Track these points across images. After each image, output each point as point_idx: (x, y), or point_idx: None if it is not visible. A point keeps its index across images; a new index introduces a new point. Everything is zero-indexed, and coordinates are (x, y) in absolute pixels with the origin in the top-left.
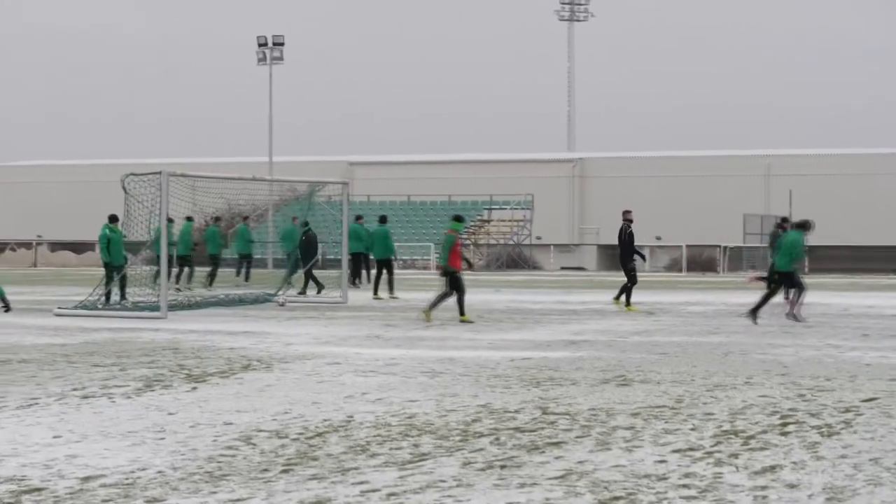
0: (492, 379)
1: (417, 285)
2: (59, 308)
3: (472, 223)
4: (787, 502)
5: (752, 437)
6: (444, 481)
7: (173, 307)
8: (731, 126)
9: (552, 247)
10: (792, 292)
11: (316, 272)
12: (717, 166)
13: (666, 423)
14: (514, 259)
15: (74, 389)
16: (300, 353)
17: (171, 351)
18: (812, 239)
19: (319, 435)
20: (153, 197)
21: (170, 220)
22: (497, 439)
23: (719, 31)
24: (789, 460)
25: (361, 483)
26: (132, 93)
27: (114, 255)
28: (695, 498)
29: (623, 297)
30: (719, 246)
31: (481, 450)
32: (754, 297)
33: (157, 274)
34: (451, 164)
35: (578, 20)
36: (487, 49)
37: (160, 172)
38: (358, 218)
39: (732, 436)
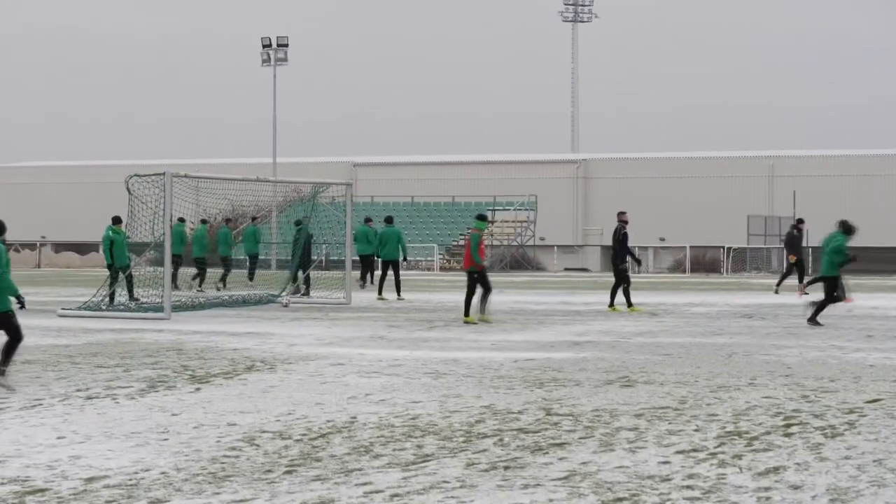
0: (495, 380)
1: (421, 286)
2: (63, 309)
3: None
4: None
5: (755, 438)
6: (447, 482)
7: (177, 308)
8: (734, 127)
9: (555, 248)
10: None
11: (318, 273)
12: (721, 167)
13: (669, 424)
14: (518, 260)
15: (78, 390)
16: (304, 354)
17: (174, 352)
18: (814, 240)
19: (323, 436)
20: (157, 198)
21: (181, 220)
22: (500, 440)
23: (722, 32)
24: (793, 461)
25: (365, 484)
26: (136, 93)
27: (117, 256)
28: (698, 499)
29: (615, 301)
30: (723, 247)
31: (485, 451)
32: (755, 298)
33: (191, 275)
34: (454, 164)
35: (582, 21)
36: (491, 50)
37: (164, 173)
38: (367, 220)
39: (736, 437)
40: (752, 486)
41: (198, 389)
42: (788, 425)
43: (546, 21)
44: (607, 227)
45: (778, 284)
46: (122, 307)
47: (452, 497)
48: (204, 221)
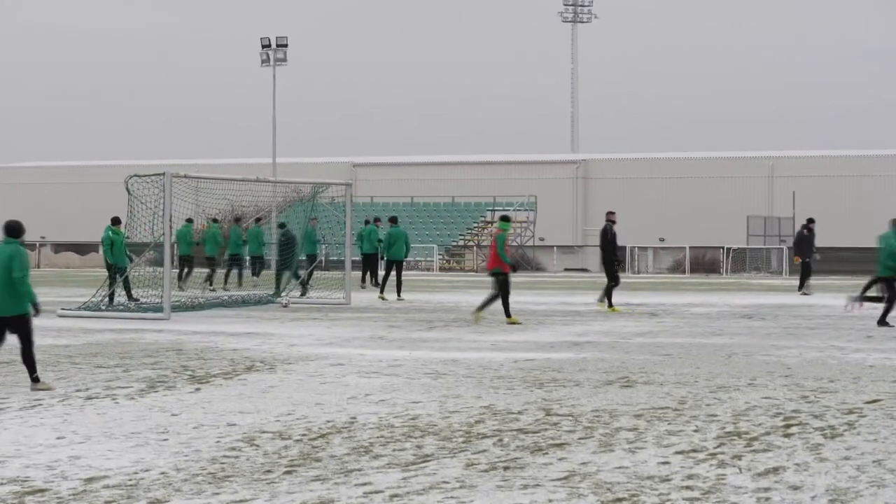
0: (495, 380)
1: (420, 287)
2: (63, 309)
3: (476, 224)
4: None
5: (755, 438)
6: (447, 483)
7: (176, 308)
8: (733, 127)
9: (555, 248)
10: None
11: (318, 273)
12: (721, 168)
13: (669, 424)
14: (518, 260)
15: (78, 390)
16: (303, 354)
17: (174, 352)
18: (817, 240)
19: (323, 436)
20: (156, 198)
21: (189, 221)
22: (500, 441)
23: (721, 32)
24: (792, 462)
25: (364, 484)
26: (135, 94)
27: (117, 256)
28: (698, 499)
29: (613, 301)
30: (722, 247)
31: (484, 451)
32: (755, 298)
33: (207, 275)
34: (454, 165)
35: (582, 21)
36: (491, 50)
37: (164, 174)
38: (376, 220)
39: (736, 437)
40: (752, 486)
41: (197, 390)
42: (788, 426)
43: (546, 21)
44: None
45: (800, 287)
46: (122, 307)
47: (452, 497)
48: (214, 220)
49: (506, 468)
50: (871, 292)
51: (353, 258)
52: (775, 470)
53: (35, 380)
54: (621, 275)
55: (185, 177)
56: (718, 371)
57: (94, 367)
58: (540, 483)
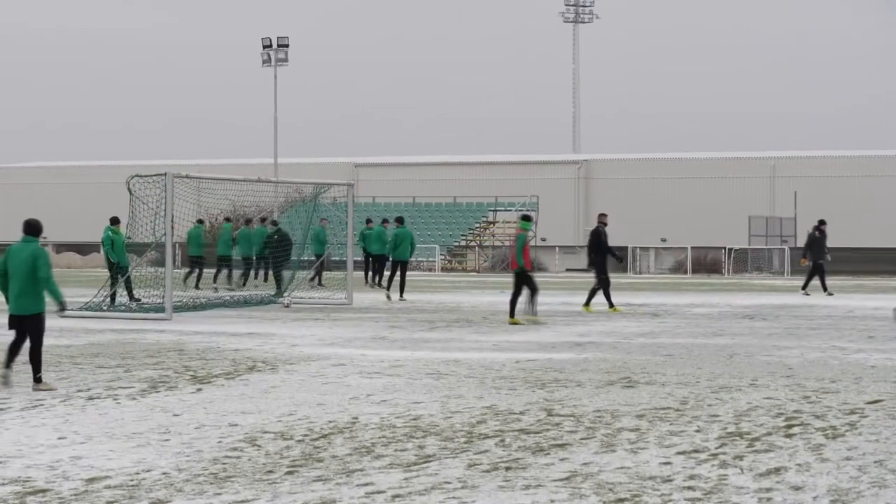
0: (497, 381)
1: (422, 287)
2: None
3: (477, 224)
4: None
5: (757, 438)
6: (449, 483)
7: (178, 308)
8: (735, 127)
9: (557, 248)
10: None
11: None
12: (723, 168)
13: (671, 424)
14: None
15: (79, 391)
16: (305, 354)
17: (176, 352)
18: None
19: (324, 436)
20: (158, 198)
21: (200, 222)
22: (502, 441)
23: (722, 33)
24: (794, 462)
25: (366, 484)
26: (136, 94)
27: (118, 255)
28: (700, 500)
29: (613, 302)
30: (724, 248)
31: (486, 451)
32: (756, 299)
33: (220, 275)
34: (456, 165)
35: (583, 22)
36: (492, 50)
37: (165, 174)
38: (384, 221)
39: (737, 438)
40: (754, 486)
41: (199, 390)
42: (790, 426)
43: (547, 22)
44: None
45: (824, 289)
46: (124, 308)
47: (454, 498)
48: (228, 220)
49: (508, 468)
50: None
51: (356, 258)
52: (777, 470)
53: (38, 380)
54: (620, 275)
55: (187, 177)
56: (720, 371)
57: (96, 368)
58: (542, 483)
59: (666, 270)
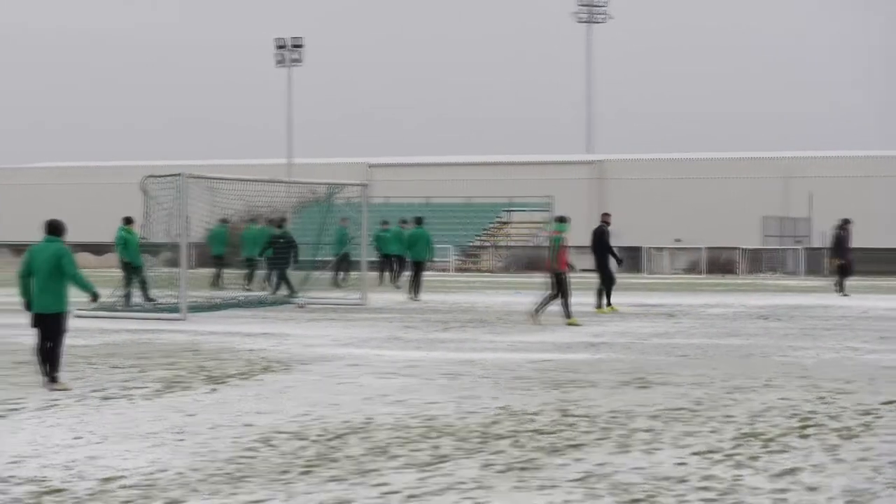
0: (512, 381)
1: (436, 287)
2: (79, 309)
3: (491, 225)
4: None
5: (771, 439)
6: (463, 483)
7: (193, 309)
8: (749, 128)
9: (571, 249)
10: None
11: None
12: (736, 168)
13: (686, 425)
14: (534, 261)
15: (94, 391)
16: (320, 354)
17: (190, 352)
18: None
19: (339, 436)
20: (172, 199)
21: (225, 221)
22: (517, 441)
23: (736, 33)
24: (809, 463)
25: (381, 485)
26: (150, 95)
27: (132, 255)
28: (714, 500)
29: (612, 301)
30: (738, 248)
31: (501, 452)
32: (771, 299)
33: (249, 275)
34: (469, 165)
35: (596, 22)
36: (505, 51)
37: (179, 174)
38: (402, 221)
39: (752, 438)
40: (768, 487)
41: (214, 390)
42: (804, 427)
43: (560, 22)
44: (623, 228)
45: (840, 288)
46: (139, 308)
47: (469, 498)
48: (253, 220)
49: (522, 469)
50: None
51: (371, 258)
52: (792, 471)
53: (53, 379)
54: (635, 275)
55: (201, 178)
56: (735, 372)
57: (111, 368)
58: (557, 484)
59: (680, 271)
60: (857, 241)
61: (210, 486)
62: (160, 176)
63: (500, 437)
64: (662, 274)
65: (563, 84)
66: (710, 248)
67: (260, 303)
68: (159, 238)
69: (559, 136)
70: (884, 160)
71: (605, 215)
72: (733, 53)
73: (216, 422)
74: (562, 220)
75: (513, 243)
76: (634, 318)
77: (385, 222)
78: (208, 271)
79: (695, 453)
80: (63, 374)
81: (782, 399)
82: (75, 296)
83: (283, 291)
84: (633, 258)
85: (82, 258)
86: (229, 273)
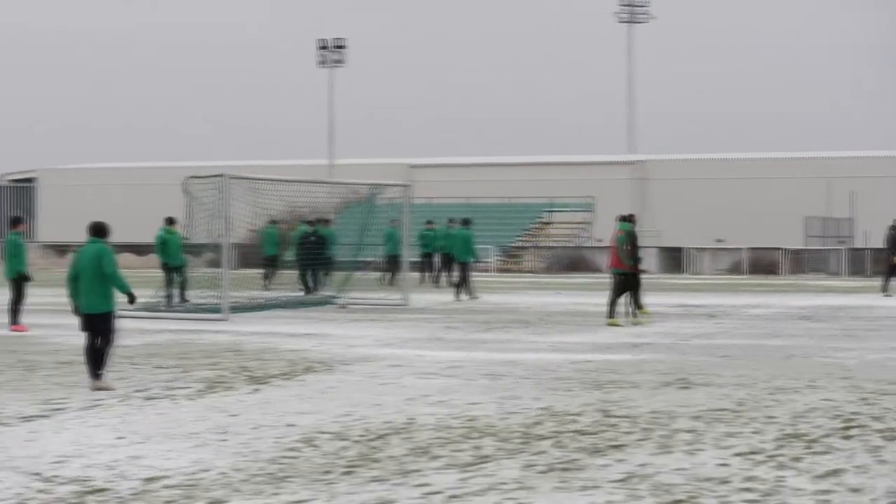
0: (553, 381)
1: (478, 288)
2: (121, 310)
3: (532, 225)
4: None
5: (814, 440)
6: (505, 484)
7: (234, 309)
8: (792, 128)
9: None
10: None
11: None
12: (779, 168)
13: (728, 426)
14: (575, 261)
15: (137, 391)
16: (362, 355)
17: (232, 353)
18: (874, 241)
19: (381, 437)
20: (214, 199)
21: (274, 223)
22: (558, 442)
23: (780, 33)
24: (852, 464)
25: (423, 485)
26: (192, 95)
27: (171, 256)
28: (757, 501)
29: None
30: (780, 248)
31: (543, 452)
32: (813, 300)
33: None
34: (511, 166)
35: (638, 22)
36: (546, 50)
37: (221, 175)
38: (450, 221)
39: (795, 439)
40: (811, 488)
41: (256, 390)
42: (847, 428)
43: (601, 22)
44: (665, 229)
45: (885, 289)
46: (180, 308)
47: (510, 498)
48: (308, 223)
49: (564, 469)
50: None
51: (413, 259)
52: (835, 472)
53: (97, 376)
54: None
55: (243, 178)
56: (777, 373)
57: (154, 368)
58: (598, 484)
59: (722, 271)
60: None
61: (252, 486)
62: (202, 177)
63: (542, 437)
64: (704, 274)
65: (604, 84)
66: (751, 249)
67: (302, 303)
68: (201, 238)
69: (600, 137)
70: None
71: (631, 216)
72: (776, 53)
73: (259, 422)
74: (626, 218)
75: (554, 243)
76: (676, 318)
77: (429, 222)
78: (255, 272)
79: (737, 454)
80: (107, 375)
81: (825, 400)
82: (120, 296)
83: (326, 291)
84: (675, 259)
85: (125, 259)
86: (281, 273)
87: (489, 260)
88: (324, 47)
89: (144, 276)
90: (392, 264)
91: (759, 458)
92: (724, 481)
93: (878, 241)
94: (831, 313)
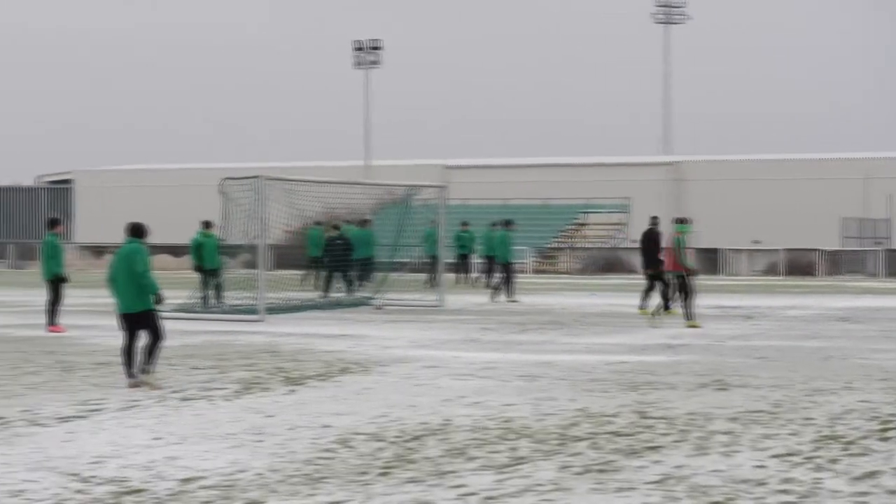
0: (589, 383)
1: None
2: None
3: (568, 227)
4: None
5: (852, 442)
6: (541, 485)
7: (271, 310)
8: (829, 128)
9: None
10: None
11: (413, 276)
12: (816, 169)
13: (765, 427)
14: (610, 262)
15: (174, 392)
16: (397, 356)
17: (269, 354)
18: None
19: (417, 438)
20: (251, 201)
21: (318, 224)
22: (595, 443)
23: (813, 33)
24: (890, 466)
25: (459, 486)
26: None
27: (207, 259)
28: None
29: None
30: (818, 250)
31: (579, 454)
32: (851, 301)
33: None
34: (546, 167)
35: (674, 23)
36: (583, 52)
37: (257, 177)
38: (493, 224)
39: (832, 441)
40: (849, 490)
41: (292, 391)
42: (885, 430)
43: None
44: (701, 230)
45: None
46: (217, 309)
47: (546, 500)
48: (362, 223)
49: (600, 471)
50: None
51: (449, 260)
52: (872, 474)
53: (145, 371)
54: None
55: (279, 180)
56: (814, 374)
57: (190, 369)
58: (634, 486)
59: (759, 272)
60: None
61: (289, 486)
62: (238, 178)
63: (578, 438)
64: (740, 276)
65: (641, 85)
66: (788, 250)
67: (337, 304)
68: (237, 240)
69: (636, 137)
70: None
71: (654, 218)
72: (811, 54)
73: (295, 423)
74: (682, 221)
75: (590, 245)
76: (712, 320)
77: (465, 223)
78: (292, 273)
79: (774, 456)
80: (155, 373)
81: (862, 401)
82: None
83: (365, 292)
84: (711, 260)
85: (161, 260)
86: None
87: (525, 261)
88: (359, 49)
89: (180, 278)
90: (434, 265)
91: (796, 459)
92: (761, 483)
93: None
94: (869, 314)
